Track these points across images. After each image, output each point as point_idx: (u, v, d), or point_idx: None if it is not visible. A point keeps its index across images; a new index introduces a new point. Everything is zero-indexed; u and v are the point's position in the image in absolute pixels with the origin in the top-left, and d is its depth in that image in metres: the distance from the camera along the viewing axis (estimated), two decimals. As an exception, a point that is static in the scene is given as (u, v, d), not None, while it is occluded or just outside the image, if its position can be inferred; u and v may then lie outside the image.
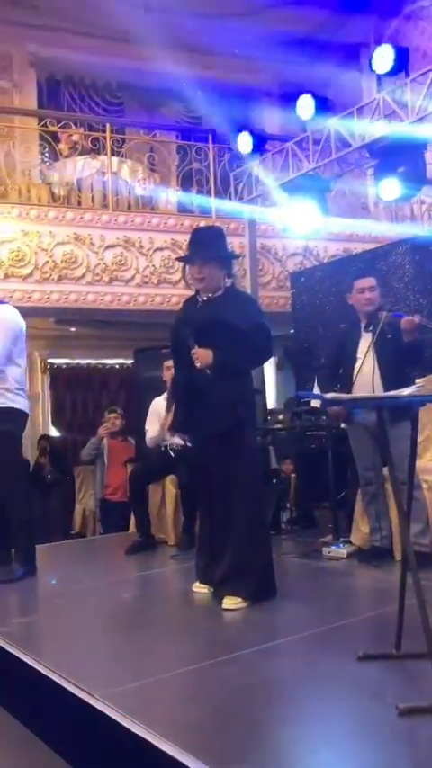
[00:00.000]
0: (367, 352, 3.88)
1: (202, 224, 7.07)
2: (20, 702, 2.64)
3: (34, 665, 2.51)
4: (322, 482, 4.76)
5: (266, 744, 1.91)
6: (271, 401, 8.85)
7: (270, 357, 3.37)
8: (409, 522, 2.64)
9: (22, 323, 4.04)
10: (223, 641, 2.79)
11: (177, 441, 4.86)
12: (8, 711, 2.63)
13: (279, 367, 10.13)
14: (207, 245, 3.32)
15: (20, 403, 3.98)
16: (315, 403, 4.86)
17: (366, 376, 3.85)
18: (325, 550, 4.27)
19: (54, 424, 9.26)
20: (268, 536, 3.39)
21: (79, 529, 7.52)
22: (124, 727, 1.98)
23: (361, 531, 4.26)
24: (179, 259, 3.72)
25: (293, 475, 5.70)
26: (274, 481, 5.28)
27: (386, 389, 3.54)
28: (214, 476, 3.29)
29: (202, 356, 3.15)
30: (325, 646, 2.67)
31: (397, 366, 3.82)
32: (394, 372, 3.77)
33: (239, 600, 3.13)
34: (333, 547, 4.28)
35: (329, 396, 2.25)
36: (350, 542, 4.31)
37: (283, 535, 5.05)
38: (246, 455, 3.24)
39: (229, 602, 3.13)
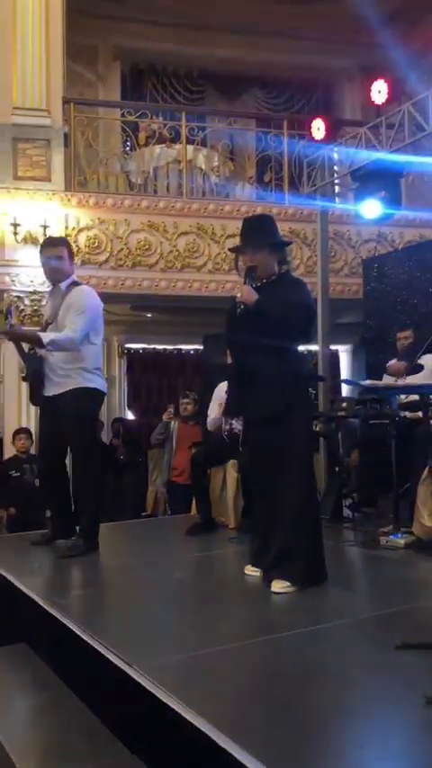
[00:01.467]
0: None
1: (275, 210, 7.10)
2: (72, 670, 2.79)
3: (83, 636, 2.64)
4: (386, 471, 4.72)
5: (290, 722, 1.96)
6: (345, 389, 8.77)
7: (306, 336, 3.37)
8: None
9: (101, 303, 4.17)
10: (265, 622, 2.85)
11: (239, 425, 4.93)
12: (62, 679, 2.79)
13: (354, 354, 10.02)
14: (257, 233, 3.35)
15: (97, 382, 4.09)
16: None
17: None
18: (383, 540, 4.25)
19: (130, 407, 9.51)
20: (318, 521, 3.40)
21: (151, 510, 7.71)
22: (156, 698, 2.08)
23: (421, 522, 4.20)
24: (231, 250, 3.76)
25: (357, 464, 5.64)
26: (337, 469, 5.26)
27: None
28: (265, 460, 3.34)
29: (246, 292, 3.19)
30: (366, 633, 2.69)
31: None
32: None
33: (288, 584, 3.18)
34: (392, 536, 4.25)
35: (366, 382, 2.25)
36: (411, 533, 4.27)
37: (345, 524, 5.03)
38: (296, 439, 3.26)
39: (278, 586, 3.18)
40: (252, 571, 3.46)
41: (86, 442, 4.09)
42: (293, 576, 3.19)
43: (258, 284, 3.31)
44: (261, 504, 3.45)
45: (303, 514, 3.26)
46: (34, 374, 4.09)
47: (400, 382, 4.05)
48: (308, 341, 3.43)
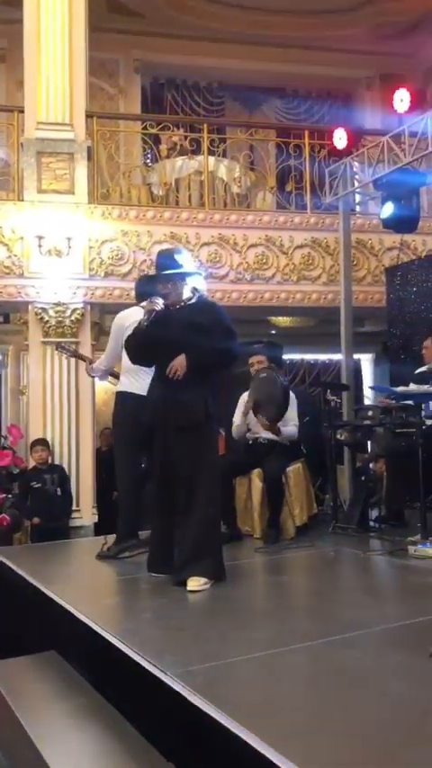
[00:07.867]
0: None
1: (296, 220, 7.16)
2: (103, 676, 2.80)
3: (114, 642, 2.65)
4: (413, 481, 4.68)
5: (329, 729, 1.95)
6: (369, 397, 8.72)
7: (234, 358, 3.65)
8: None
9: (125, 321, 4.30)
10: (296, 630, 2.85)
11: (264, 434, 4.94)
12: (93, 686, 2.80)
13: (377, 363, 9.97)
14: (167, 265, 3.66)
15: (122, 384, 4.35)
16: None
17: None
18: (411, 549, 4.22)
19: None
20: (218, 522, 3.73)
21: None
22: (189, 702, 2.08)
23: (450, 531, 4.18)
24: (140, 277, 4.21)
25: (384, 473, 5.62)
26: (362, 478, 5.24)
27: None
28: (181, 466, 3.53)
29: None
30: (398, 641, 2.67)
31: None
32: None
33: (204, 580, 3.41)
34: (420, 546, 4.22)
35: (399, 389, 2.24)
36: (439, 542, 4.23)
37: (372, 533, 4.99)
38: (209, 447, 3.58)
39: (193, 584, 3.39)
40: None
41: (114, 444, 4.42)
42: (207, 572, 3.43)
43: (178, 306, 3.62)
44: (168, 506, 3.66)
45: (211, 516, 3.54)
46: None
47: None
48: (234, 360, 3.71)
